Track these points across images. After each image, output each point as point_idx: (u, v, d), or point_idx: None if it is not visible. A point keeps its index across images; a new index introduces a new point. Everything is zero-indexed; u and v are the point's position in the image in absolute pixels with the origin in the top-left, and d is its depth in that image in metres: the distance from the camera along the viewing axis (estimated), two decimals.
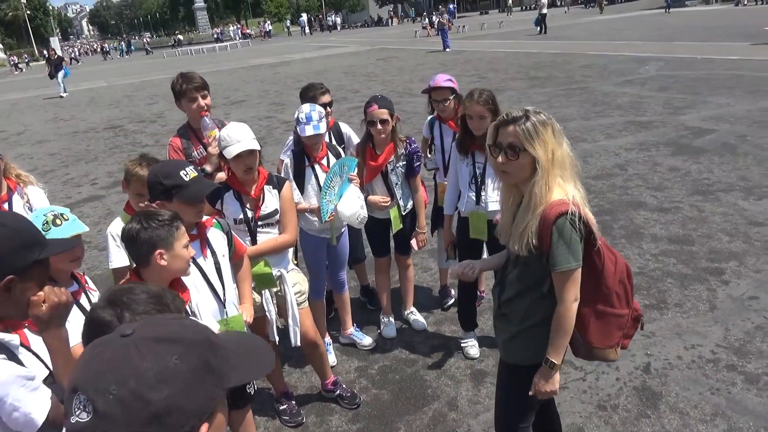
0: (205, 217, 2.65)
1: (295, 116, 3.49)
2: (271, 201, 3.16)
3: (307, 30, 67.95)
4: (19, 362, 1.67)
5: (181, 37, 69.98)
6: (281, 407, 3.53)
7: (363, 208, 3.62)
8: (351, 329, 4.19)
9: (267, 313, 3.18)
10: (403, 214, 3.98)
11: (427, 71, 18.83)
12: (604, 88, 12.83)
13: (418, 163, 3.93)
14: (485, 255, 3.84)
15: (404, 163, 3.87)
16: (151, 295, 1.47)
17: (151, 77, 27.31)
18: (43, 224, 2.26)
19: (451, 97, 3.95)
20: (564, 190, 2.03)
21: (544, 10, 30.31)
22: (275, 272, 3.19)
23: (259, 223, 3.14)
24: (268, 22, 73.81)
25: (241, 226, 3.10)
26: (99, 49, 64.99)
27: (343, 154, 3.85)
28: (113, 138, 13.12)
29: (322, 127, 3.48)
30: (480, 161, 3.57)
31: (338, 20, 72.84)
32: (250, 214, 3.11)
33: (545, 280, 2.10)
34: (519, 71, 16.75)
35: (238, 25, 75.37)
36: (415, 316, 4.37)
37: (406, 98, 14.13)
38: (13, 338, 1.71)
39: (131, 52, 62.04)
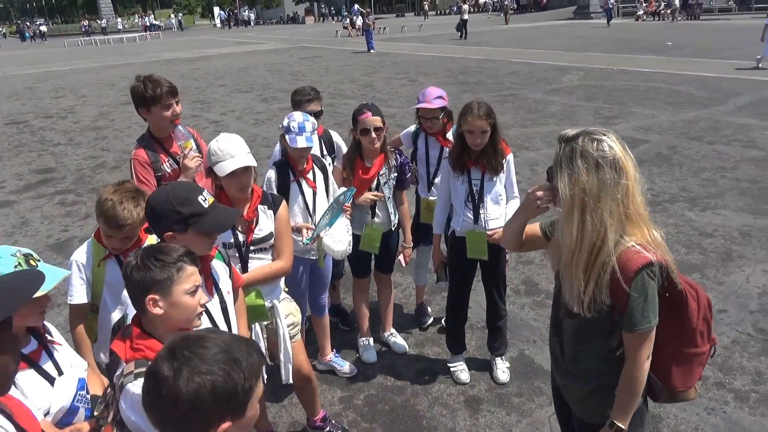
0: None
1: (285, 124, 3.15)
2: (265, 223, 2.80)
3: (218, 24, 65.90)
4: None
5: (44, 28, 60.12)
6: None
7: (350, 243, 3.37)
8: (330, 355, 3.88)
9: None
10: (392, 229, 3.73)
11: (356, 72, 18.64)
12: (534, 95, 13.15)
13: (409, 175, 3.70)
14: (478, 276, 3.68)
15: (395, 175, 3.62)
16: (222, 349, 1.28)
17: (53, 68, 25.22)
18: (15, 267, 1.82)
19: (441, 116, 3.75)
20: (633, 237, 1.76)
21: (466, 16, 30.96)
22: (267, 303, 2.84)
23: (252, 248, 2.78)
24: (152, 15, 69.24)
25: (231, 251, 2.73)
26: None
27: (328, 167, 3.54)
28: (17, 135, 11.86)
29: (315, 140, 3.17)
30: (476, 178, 3.39)
31: (252, 16, 71.13)
32: (241, 237, 2.75)
33: (613, 334, 1.88)
34: (448, 75, 16.90)
35: (145, 16, 71.44)
36: (395, 338, 4.12)
37: (339, 99, 13.83)
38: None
39: None
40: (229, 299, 2.26)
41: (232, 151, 2.58)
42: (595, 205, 1.72)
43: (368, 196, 3.55)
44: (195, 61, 25.28)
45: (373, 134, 3.41)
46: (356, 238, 3.64)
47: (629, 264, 1.74)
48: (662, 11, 38.39)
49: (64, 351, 1.99)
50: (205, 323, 2.11)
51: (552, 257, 2.08)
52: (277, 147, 3.80)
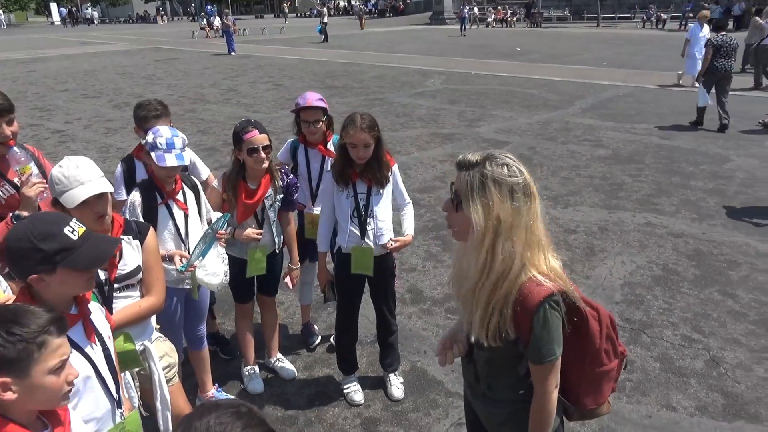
0: None
1: (150, 140, 2.78)
2: (130, 256, 2.44)
3: (57, 22, 60.32)
4: None
5: None
6: None
7: (226, 274, 3.11)
8: (212, 390, 3.53)
9: (128, 401, 2.45)
10: (276, 251, 3.47)
11: (217, 76, 17.84)
12: (400, 99, 13.39)
13: (297, 195, 3.46)
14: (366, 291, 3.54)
15: (281, 196, 3.37)
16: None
17: None
18: None
19: (324, 119, 3.57)
20: (528, 270, 1.69)
21: (326, 19, 31.00)
22: (138, 347, 2.48)
23: (116, 286, 2.41)
24: None
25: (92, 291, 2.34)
26: None
27: (199, 186, 3.21)
28: None
29: (187, 158, 2.84)
30: (362, 191, 3.24)
31: (96, 14, 65.98)
32: (103, 275, 2.37)
33: (520, 363, 1.83)
34: (314, 79, 16.72)
35: None
36: (283, 363, 3.87)
37: (201, 105, 13.13)
38: None
39: None
40: (111, 344, 1.97)
41: (81, 177, 2.21)
42: (508, 233, 1.65)
43: (251, 234, 3.29)
44: (30, 63, 22.71)
45: (263, 154, 3.14)
46: (239, 262, 3.37)
47: (531, 297, 1.68)
48: (509, 19, 41.28)
49: None
50: (89, 373, 1.83)
51: (453, 285, 1.98)
52: (119, 169, 3.37)
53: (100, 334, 1.91)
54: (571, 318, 1.78)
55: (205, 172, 3.71)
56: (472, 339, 1.93)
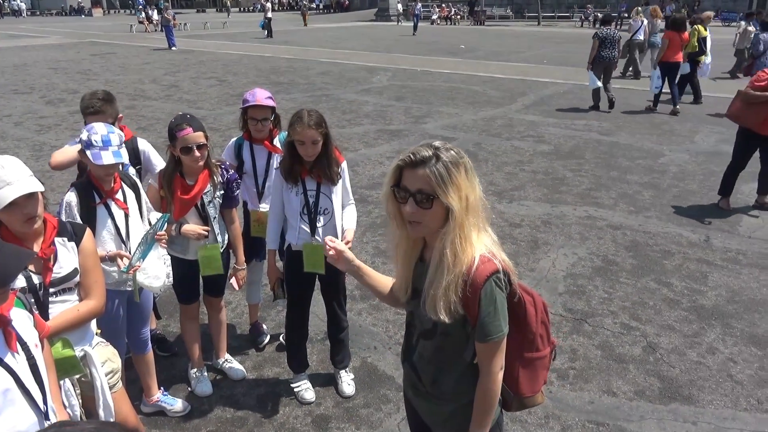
0: None
1: (84, 138, 2.67)
2: (66, 258, 2.34)
3: None
4: None
5: None
6: None
7: (169, 276, 3.04)
8: (158, 394, 3.44)
9: (68, 410, 2.35)
10: (221, 251, 3.40)
11: (158, 71, 17.30)
12: (347, 96, 13.35)
13: (238, 192, 3.40)
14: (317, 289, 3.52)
15: (222, 192, 3.30)
16: None
17: None
18: None
19: (271, 117, 3.53)
20: (481, 242, 1.77)
21: (269, 14, 30.55)
22: (78, 352, 2.38)
23: (52, 290, 2.31)
24: None
25: (26, 296, 2.22)
26: None
27: (140, 184, 3.10)
28: None
29: (124, 155, 2.73)
30: (312, 188, 3.22)
31: (24, 5, 62.76)
32: (36, 279, 2.26)
33: (467, 347, 1.85)
34: (259, 75, 16.46)
35: None
36: (231, 363, 3.80)
37: (141, 101, 12.70)
38: None
39: None
40: (37, 353, 1.85)
41: (8, 177, 2.08)
42: (474, 209, 1.72)
43: (197, 230, 3.22)
44: None
45: (197, 152, 3.06)
46: (182, 262, 3.29)
47: (478, 272, 1.72)
48: (453, 16, 41.77)
49: None
50: (11, 389, 1.72)
51: (401, 286, 1.98)
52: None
53: (25, 343, 1.80)
54: (510, 300, 1.83)
55: (160, 165, 3.58)
56: (418, 331, 1.95)
